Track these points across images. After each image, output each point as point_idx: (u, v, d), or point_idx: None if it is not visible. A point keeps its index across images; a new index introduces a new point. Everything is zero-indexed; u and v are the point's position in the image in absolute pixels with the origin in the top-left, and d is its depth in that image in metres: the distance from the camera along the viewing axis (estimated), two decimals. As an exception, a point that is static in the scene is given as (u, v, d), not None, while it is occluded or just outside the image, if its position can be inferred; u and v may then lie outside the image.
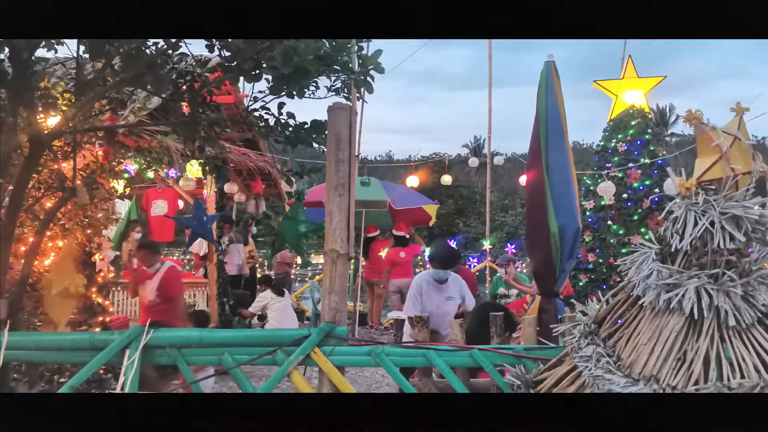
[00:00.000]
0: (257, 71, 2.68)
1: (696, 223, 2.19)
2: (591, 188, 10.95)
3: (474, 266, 12.38)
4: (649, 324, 2.23)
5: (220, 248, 8.65)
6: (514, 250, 11.31)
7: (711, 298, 2.09)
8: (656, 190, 10.24)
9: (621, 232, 10.53)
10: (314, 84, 2.77)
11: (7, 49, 2.77)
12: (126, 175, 6.26)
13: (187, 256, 14.53)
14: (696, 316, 2.11)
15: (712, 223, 2.16)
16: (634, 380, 2.14)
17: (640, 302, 2.32)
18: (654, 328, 2.20)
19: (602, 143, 11.23)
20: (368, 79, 2.82)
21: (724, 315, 2.08)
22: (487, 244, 11.80)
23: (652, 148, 10.62)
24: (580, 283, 10.72)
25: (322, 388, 2.87)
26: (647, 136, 10.70)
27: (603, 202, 10.69)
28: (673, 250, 2.26)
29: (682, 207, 2.26)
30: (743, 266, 2.17)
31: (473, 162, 16.89)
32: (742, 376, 1.99)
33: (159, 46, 2.88)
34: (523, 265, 11.57)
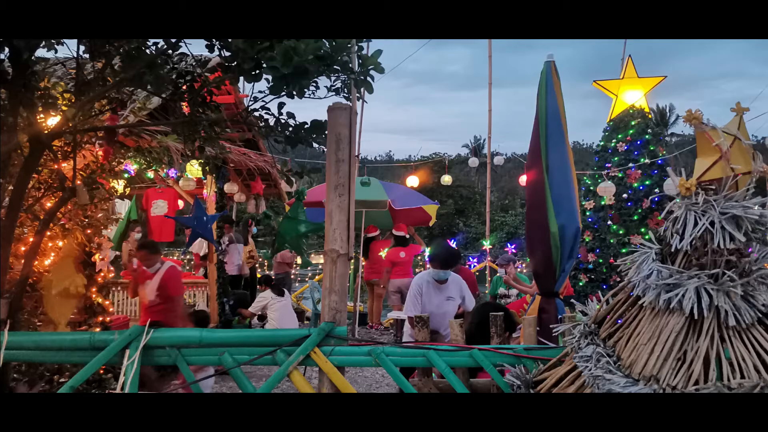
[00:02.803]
0: (257, 71, 2.68)
1: (696, 223, 2.19)
2: (591, 188, 10.96)
3: (474, 266, 12.38)
4: (649, 324, 2.23)
5: (220, 248, 8.66)
6: (514, 250, 11.30)
7: (711, 298, 2.09)
8: (656, 190, 10.25)
9: (621, 232, 10.54)
10: (314, 84, 2.76)
11: (7, 49, 2.77)
12: (126, 175, 6.27)
13: (187, 256, 14.54)
14: (696, 316, 2.11)
15: (712, 223, 2.16)
16: (634, 380, 2.14)
17: (640, 302, 2.32)
18: (654, 328, 2.20)
19: (602, 143, 11.25)
20: (368, 79, 2.81)
21: (724, 315, 2.08)
22: (487, 244, 11.81)
23: (652, 148, 10.63)
24: (580, 283, 10.74)
25: (322, 388, 2.87)
26: (647, 136, 10.71)
27: (603, 202, 10.70)
28: (673, 250, 2.26)
29: (682, 207, 2.26)
30: (743, 266, 2.17)
31: (473, 162, 16.93)
32: (742, 376, 1.99)
33: (159, 46, 2.88)
34: (523, 265, 11.57)
